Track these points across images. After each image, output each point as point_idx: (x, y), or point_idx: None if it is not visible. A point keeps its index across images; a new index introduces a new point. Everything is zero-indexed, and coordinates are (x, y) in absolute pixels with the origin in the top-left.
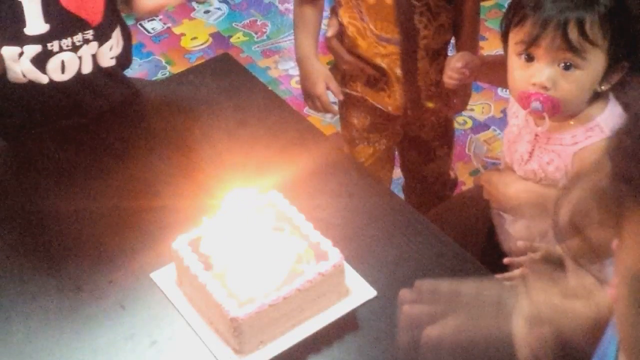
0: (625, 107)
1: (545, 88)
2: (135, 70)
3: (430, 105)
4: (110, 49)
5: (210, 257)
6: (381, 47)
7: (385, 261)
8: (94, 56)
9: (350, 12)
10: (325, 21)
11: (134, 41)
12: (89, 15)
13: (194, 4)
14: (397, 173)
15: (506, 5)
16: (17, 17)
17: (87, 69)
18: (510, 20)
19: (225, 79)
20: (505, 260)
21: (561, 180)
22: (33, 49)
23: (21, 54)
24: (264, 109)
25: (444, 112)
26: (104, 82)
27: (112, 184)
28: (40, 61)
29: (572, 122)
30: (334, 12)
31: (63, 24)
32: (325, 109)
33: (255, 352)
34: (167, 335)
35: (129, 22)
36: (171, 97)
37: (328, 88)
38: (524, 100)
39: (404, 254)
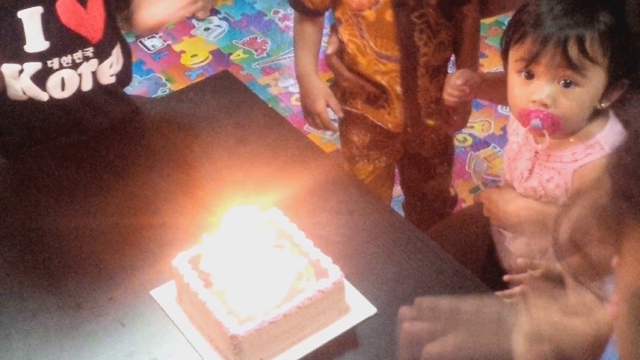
0: (625, 124)
1: (545, 105)
2: (135, 88)
3: (430, 122)
4: (110, 66)
5: (210, 275)
6: (381, 64)
7: (385, 278)
8: (94, 73)
9: (350, 29)
10: (325, 38)
11: (134, 58)
12: (89, 33)
13: (194, 21)
14: (397, 190)
15: (506, 23)
16: (17, 35)
17: (87, 86)
18: (510, 37)
19: (225, 97)
20: (505, 277)
21: (561, 197)
22: (33, 67)
23: (21, 71)
24: (264, 127)
25: (444, 130)
26: (104, 99)
27: (112, 202)
28: (40, 78)
29: (572, 140)
30: (334, 29)
31: (63, 41)
32: (325, 127)
33: None
34: (167, 352)
35: (129, 39)
36: (171, 114)
37: (328, 105)
38: (524, 117)
39: (404, 271)
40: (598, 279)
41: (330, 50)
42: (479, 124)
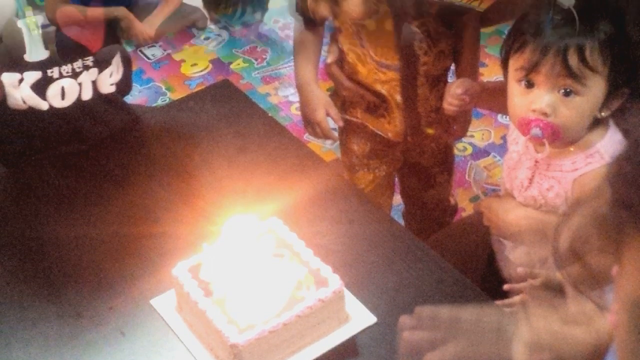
0: (626, 133)
1: (545, 114)
2: (135, 97)
3: (430, 131)
4: (110, 75)
5: (210, 284)
6: (381, 73)
7: (385, 287)
8: (94, 82)
9: (350, 38)
10: (325, 47)
11: (134, 67)
12: (89, 42)
13: (194, 30)
14: (397, 199)
15: (506, 32)
16: (17, 44)
17: (87, 95)
18: (510, 46)
19: (225, 106)
20: (505, 286)
21: (561, 206)
22: (33, 75)
23: (21, 80)
24: (264, 136)
25: (444, 139)
26: (104, 108)
27: (112, 210)
28: (40, 87)
29: (572, 149)
30: (334, 38)
31: (63, 50)
32: (325, 136)
33: None
34: None
35: (129, 49)
36: (171, 123)
37: (328, 114)
38: (525, 126)
39: (404, 280)
40: (598, 287)
41: (330, 60)
42: (479, 133)
